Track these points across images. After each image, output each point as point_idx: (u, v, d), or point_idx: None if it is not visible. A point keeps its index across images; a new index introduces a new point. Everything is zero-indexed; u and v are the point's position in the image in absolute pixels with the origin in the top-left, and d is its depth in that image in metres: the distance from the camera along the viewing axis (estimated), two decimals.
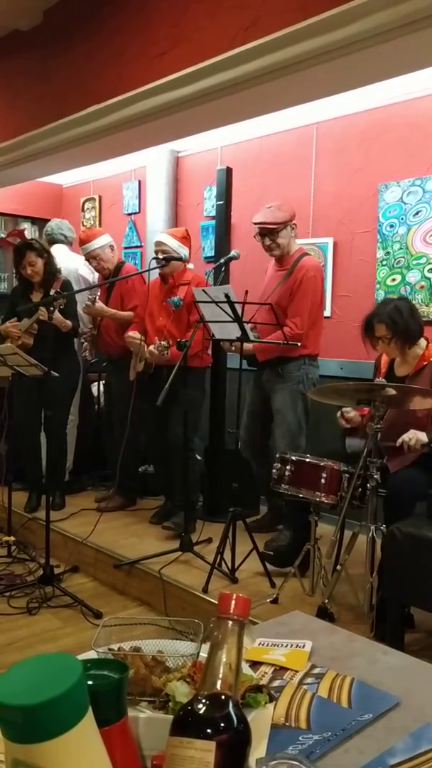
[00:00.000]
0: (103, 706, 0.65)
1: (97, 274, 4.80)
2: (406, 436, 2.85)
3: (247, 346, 3.54)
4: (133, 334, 4.07)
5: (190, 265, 4.11)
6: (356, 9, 2.40)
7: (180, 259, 3.88)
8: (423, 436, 2.84)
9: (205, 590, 3.16)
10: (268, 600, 3.06)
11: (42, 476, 4.47)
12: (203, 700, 0.63)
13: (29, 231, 6.30)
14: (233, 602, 0.69)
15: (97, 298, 4.35)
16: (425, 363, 3.02)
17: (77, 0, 3.88)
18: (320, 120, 4.34)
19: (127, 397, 3.80)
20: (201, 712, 0.62)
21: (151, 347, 3.79)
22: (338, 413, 3.17)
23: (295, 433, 3.63)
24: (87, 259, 4.48)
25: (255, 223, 3.65)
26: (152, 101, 3.32)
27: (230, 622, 0.68)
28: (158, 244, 3.96)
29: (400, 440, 2.85)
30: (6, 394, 4.38)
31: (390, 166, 4.01)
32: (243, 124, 4.04)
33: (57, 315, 3.80)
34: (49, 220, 5.37)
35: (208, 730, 0.61)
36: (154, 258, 3.88)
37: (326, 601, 2.75)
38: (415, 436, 2.83)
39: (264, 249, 3.70)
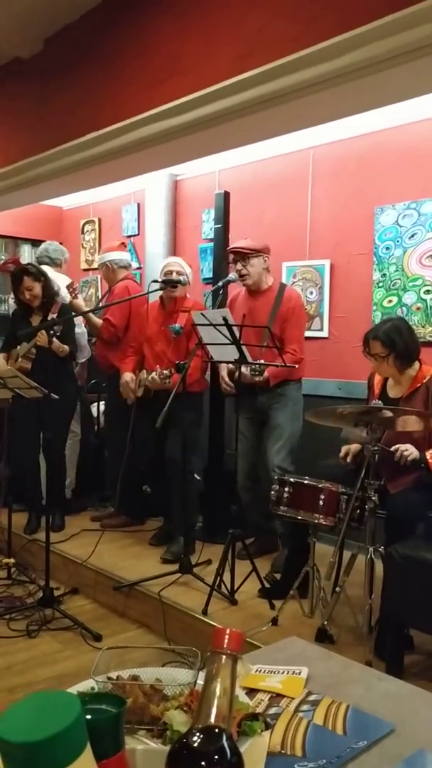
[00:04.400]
0: (100, 739, 0.67)
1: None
2: (403, 446, 2.88)
3: (249, 376, 3.63)
4: (130, 380, 4.14)
5: None
6: (348, 41, 2.45)
7: (181, 282, 3.93)
8: (417, 453, 2.87)
9: (204, 612, 3.16)
10: (264, 629, 3.01)
11: (42, 498, 4.48)
12: (197, 734, 0.65)
13: (29, 254, 6.35)
14: (227, 637, 0.72)
15: (78, 294, 4.51)
16: (418, 385, 3.04)
17: (77, 29, 3.96)
18: (316, 144, 4.41)
19: (123, 417, 3.83)
20: (195, 745, 0.64)
21: (153, 374, 3.82)
22: (341, 456, 3.20)
23: (291, 448, 3.73)
24: (99, 266, 4.71)
25: (228, 250, 3.86)
26: (151, 128, 3.38)
27: (224, 657, 0.71)
28: (173, 264, 4.05)
29: (395, 446, 2.88)
30: (6, 416, 4.41)
31: (385, 189, 4.07)
32: (240, 149, 4.10)
33: (55, 341, 3.88)
34: None
35: (203, 763, 0.63)
36: (153, 281, 3.93)
37: (326, 622, 2.75)
38: (412, 452, 2.87)
39: (239, 278, 3.82)
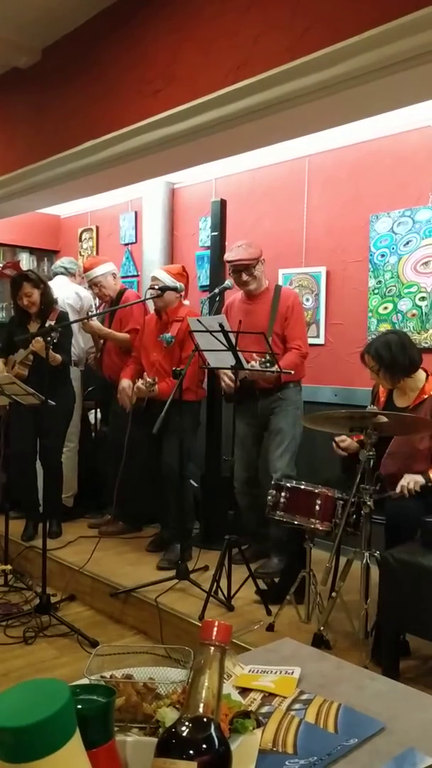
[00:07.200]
0: (90, 728, 0.68)
1: (88, 300, 5.08)
2: (404, 481, 2.87)
3: (250, 375, 3.64)
4: (127, 386, 4.19)
5: (186, 302, 4.19)
6: (341, 51, 2.49)
7: (174, 289, 3.94)
8: (420, 478, 2.86)
9: (201, 618, 3.16)
10: (255, 627, 3.04)
11: (39, 504, 4.48)
12: (186, 723, 0.67)
13: (27, 261, 6.38)
14: (215, 629, 0.73)
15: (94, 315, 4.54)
16: (425, 396, 3.05)
17: (74, 39, 4.01)
18: (312, 153, 4.44)
19: (122, 425, 3.84)
20: (184, 734, 0.66)
21: (139, 383, 3.87)
22: (333, 443, 3.20)
23: (293, 453, 3.75)
24: (90, 286, 4.64)
25: (229, 262, 3.83)
26: (147, 137, 3.41)
27: (212, 648, 0.72)
28: (152, 279, 4.07)
29: (398, 487, 2.87)
30: (3, 423, 4.42)
31: (380, 197, 4.10)
32: (236, 157, 4.13)
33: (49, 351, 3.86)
34: (47, 251, 5.52)
35: (191, 752, 0.64)
36: (150, 289, 3.96)
37: (322, 628, 2.75)
38: (412, 479, 2.86)
39: (238, 285, 3.85)
